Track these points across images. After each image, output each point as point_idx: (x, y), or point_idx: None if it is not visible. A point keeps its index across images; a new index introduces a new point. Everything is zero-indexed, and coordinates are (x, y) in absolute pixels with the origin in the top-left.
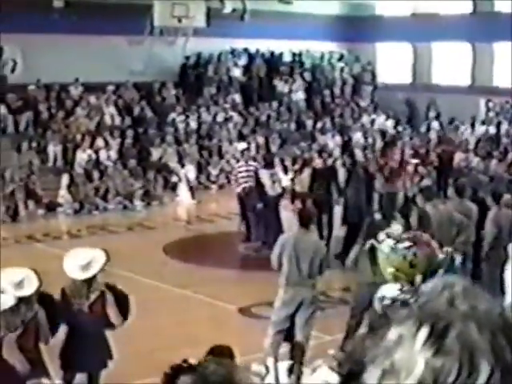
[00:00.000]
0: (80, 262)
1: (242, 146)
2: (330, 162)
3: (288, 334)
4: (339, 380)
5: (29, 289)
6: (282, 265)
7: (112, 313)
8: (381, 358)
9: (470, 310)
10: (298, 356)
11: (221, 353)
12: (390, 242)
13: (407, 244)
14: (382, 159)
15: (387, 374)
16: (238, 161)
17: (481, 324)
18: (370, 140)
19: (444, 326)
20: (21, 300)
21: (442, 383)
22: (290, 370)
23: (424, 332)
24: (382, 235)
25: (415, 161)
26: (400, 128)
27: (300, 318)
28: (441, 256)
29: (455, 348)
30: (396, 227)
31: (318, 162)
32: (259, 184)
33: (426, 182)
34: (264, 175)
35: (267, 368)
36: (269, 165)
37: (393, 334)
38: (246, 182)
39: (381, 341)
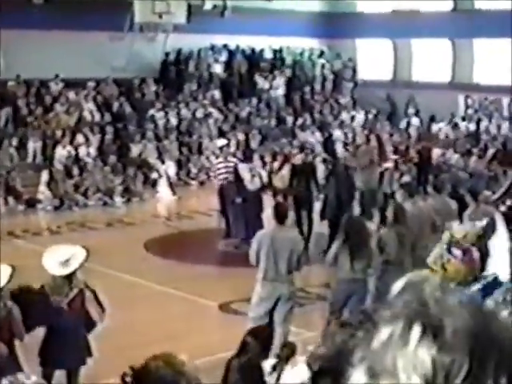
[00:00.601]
0: (59, 258)
1: (222, 142)
2: (310, 158)
3: None
4: (309, 376)
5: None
6: (260, 261)
7: (92, 309)
8: (370, 359)
9: (458, 304)
10: (284, 354)
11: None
12: (446, 238)
13: (455, 249)
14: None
15: (381, 372)
16: (217, 157)
17: (470, 316)
18: (350, 136)
19: (436, 322)
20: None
21: (453, 377)
22: (274, 368)
23: (417, 330)
24: (445, 234)
25: (395, 157)
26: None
27: (278, 314)
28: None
29: (458, 342)
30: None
31: (297, 158)
32: (238, 178)
33: (406, 178)
34: (243, 169)
35: None
36: (248, 159)
37: (382, 333)
38: (225, 179)
39: (368, 341)
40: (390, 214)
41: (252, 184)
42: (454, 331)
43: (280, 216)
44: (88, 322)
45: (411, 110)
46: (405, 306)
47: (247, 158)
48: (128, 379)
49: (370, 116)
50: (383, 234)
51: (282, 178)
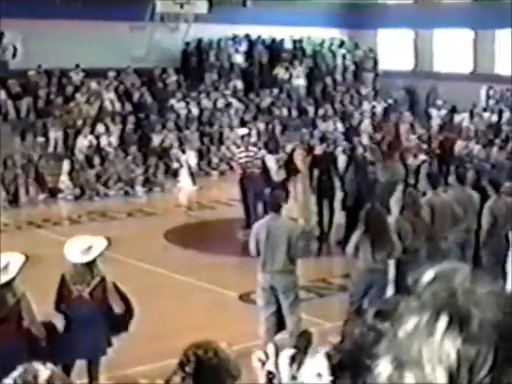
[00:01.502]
0: (81, 246)
1: (243, 131)
2: (331, 148)
3: (279, 321)
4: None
5: (12, 273)
6: (259, 252)
7: (113, 299)
8: (396, 349)
9: (486, 295)
10: (302, 344)
11: None
12: None
13: None
14: (379, 133)
15: (407, 364)
16: (238, 147)
17: (497, 308)
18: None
19: (464, 313)
20: (4, 285)
21: (478, 370)
22: (293, 359)
23: (444, 320)
24: None
25: (414, 136)
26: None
27: (283, 305)
28: None
29: (483, 334)
30: None
31: (318, 149)
32: (265, 169)
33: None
34: (269, 160)
35: (267, 355)
36: (272, 150)
37: (409, 323)
38: (248, 168)
39: (394, 331)
40: (400, 202)
41: (278, 175)
42: (481, 323)
43: (275, 205)
44: (110, 312)
45: (433, 101)
46: (432, 296)
47: (270, 148)
48: (189, 370)
49: (391, 107)
50: (398, 223)
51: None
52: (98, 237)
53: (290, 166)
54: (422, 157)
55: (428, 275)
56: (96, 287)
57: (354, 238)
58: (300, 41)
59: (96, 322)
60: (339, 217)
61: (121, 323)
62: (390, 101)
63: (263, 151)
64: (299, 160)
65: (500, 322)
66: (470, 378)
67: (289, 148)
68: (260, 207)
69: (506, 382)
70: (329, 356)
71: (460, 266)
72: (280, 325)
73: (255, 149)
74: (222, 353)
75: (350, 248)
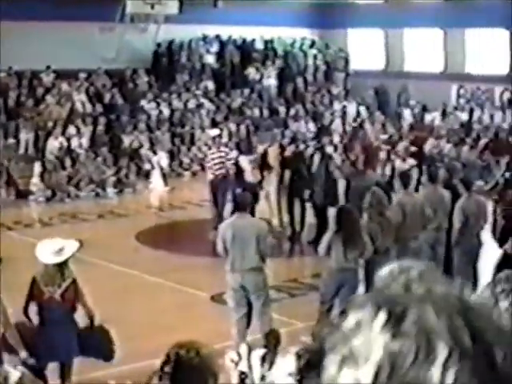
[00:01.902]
0: (52, 248)
1: (214, 132)
2: (302, 148)
3: (249, 322)
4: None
5: None
6: (228, 252)
7: (82, 302)
8: (340, 345)
9: (427, 294)
10: (271, 344)
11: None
12: None
13: None
14: (349, 146)
15: (346, 360)
16: (209, 148)
17: (438, 307)
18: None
19: (401, 310)
20: None
21: (399, 367)
22: (263, 358)
23: (382, 317)
24: None
25: (387, 147)
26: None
27: (255, 305)
28: None
29: (412, 331)
30: None
31: (289, 149)
32: (239, 170)
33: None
34: (243, 161)
35: (239, 355)
36: (247, 151)
37: (351, 319)
38: (219, 169)
39: (339, 327)
40: (366, 202)
41: (252, 176)
42: (415, 321)
43: (242, 204)
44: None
45: (404, 101)
46: (376, 292)
47: (243, 149)
48: (167, 369)
49: (362, 107)
50: (369, 224)
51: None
52: (69, 240)
53: (263, 166)
54: (411, 161)
55: (380, 274)
56: (67, 289)
57: (326, 237)
58: (271, 41)
59: (68, 323)
60: (310, 217)
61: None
62: (366, 101)
63: (235, 152)
64: (272, 159)
65: (431, 322)
66: (391, 374)
67: (261, 148)
68: (228, 208)
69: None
70: (298, 356)
71: (413, 265)
72: (249, 325)
73: (227, 149)
74: (205, 353)
75: (321, 247)
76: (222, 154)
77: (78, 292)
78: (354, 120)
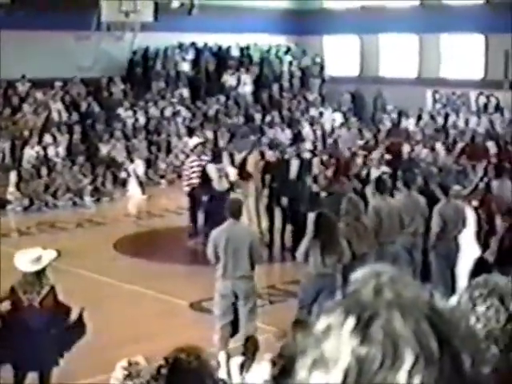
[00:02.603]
0: (30, 256)
1: (194, 140)
2: (278, 154)
3: (234, 329)
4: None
5: None
6: (219, 258)
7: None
8: (310, 348)
9: (395, 299)
10: (250, 351)
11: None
12: None
13: None
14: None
15: (317, 363)
16: (187, 156)
17: (405, 312)
18: (318, 133)
19: (369, 315)
20: None
21: (366, 371)
22: (242, 366)
23: (350, 322)
24: None
25: (363, 153)
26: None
27: (242, 312)
28: None
29: (379, 336)
30: None
31: (270, 155)
32: (206, 179)
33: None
34: (211, 170)
35: (218, 363)
36: (216, 159)
37: (321, 323)
38: (198, 177)
39: (310, 332)
40: (343, 208)
41: (219, 185)
42: (382, 326)
43: (234, 212)
44: (62, 319)
45: (379, 106)
46: (345, 297)
47: (215, 158)
48: (163, 371)
49: (338, 113)
50: (343, 229)
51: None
52: (48, 249)
53: (243, 172)
54: (385, 168)
55: (354, 277)
56: (46, 296)
57: (304, 243)
58: (247, 48)
59: (47, 331)
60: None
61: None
62: (342, 108)
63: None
64: (251, 167)
65: (398, 328)
66: (358, 379)
67: (238, 157)
68: (201, 216)
69: None
70: (273, 362)
71: (385, 270)
72: (234, 333)
73: (207, 158)
74: (204, 357)
75: (300, 253)
76: (203, 163)
77: (57, 298)
78: (332, 130)
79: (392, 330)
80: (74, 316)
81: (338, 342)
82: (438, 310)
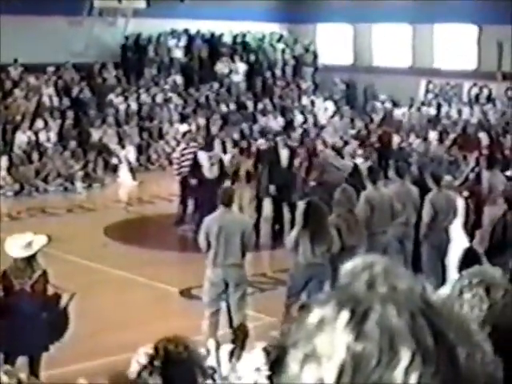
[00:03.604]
0: (21, 242)
1: (184, 128)
2: (271, 143)
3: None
4: (267, 367)
5: None
6: (210, 246)
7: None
8: (302, 342)
9: (390, 292)
10: (239, 339)
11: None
12: None
13: None
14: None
15: (309, 357)
16: (178, 143)
17: (400, 306)
18: (310, 121)
19: (364, 309)
20: None
21: (363, 369)
22: (232, 353)
23: (344, 315)
24: None
25: (356, 142)
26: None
27: (232, 300)
28: None
29: (375, 332)
30: None
31: (261, 143)
32: (197, 166)
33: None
34: (202, 157)
35: (208, 351)
36: (208, 146)
37: (314, 316)
38: (188, 165)
39: (302, 324)
40: (336, 198)
41: (210, 172)
42: (377, 321)
43: (226, 200)
44: (53, 305)
45: (372, 95)
46: (338, 289)
47: (208, 144)
48: (157, 363)
49: (330, 102)
50: (336, 220)
51: (245, 163)
52: (38, 235)
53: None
54: (359, 160)
55: (345, 268)
56: (37, 280)
57: (294, 232)
58: (240, 35)
59: (38, 315)
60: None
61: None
62: (335, 96)
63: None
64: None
65: (394, 323)
66: (354, 376)
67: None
68: (191, 204)
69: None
70: (267, 351)
71: (377, 260)
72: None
73: (196, 144)
74: (192, 347)
75: (289, 241)
76: (193, 150)
77: (48, 282)
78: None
79: (388, 326)
80: (63, 302)
81: (331, 336)
82: (432, 303)
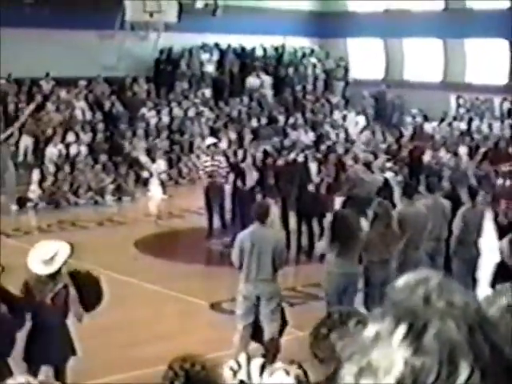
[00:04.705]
0: (43, 256)
1: (210, 140)
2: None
3: (256, 331)
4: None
5: None
6: (243, 261)
7: (73, 307)
8: (357, 356)
9: (447, 307)
10: (271, 353)
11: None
12: None
13: None
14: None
15: (364, 371)
16: (198, 157)
17: (458, 321)
18: (341, 136)
19: (422, 324)
20: None
21: (421, 382)
22: (263, 368)
23: (401, 330)
24: None
25: (386, 156)
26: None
27: (263, 313)
28: None
29: (434, 347)
30: None
31: (289, 157)
32: (241, 176)
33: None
34: (245, 168)
35: (239, 364)
36: (242, 158)
37: (369, 331)
38: (210, 177)
39: (356, 338)
40: (372, 212)
41: (248, 183)
42: (436, 335)
43: (261, 215)
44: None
45: (403, 110)
46: (394, 304)
47: (241, 157)
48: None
49: (361, 117)
50: (368, 234)
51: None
52: (59, 242)
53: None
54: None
55: (398, 283)
56: (58, 293)
57: (323, 243)
58: (271, 49)
59: (57, 327)
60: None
61: None
62: (368, 111)
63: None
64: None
65: (455, 336)
66: None
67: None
68: (216, 217)
69: None
70: (286, 372)
71: (431, 275)
72: (254, 335)
73: (221, 158)
74: (209, 366)
75: (318, 250)
76: (216, 163)
77: (69, 297)
78: (361, 131)
79: (447, 340)
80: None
81: (387, 350)
82: (487, 318)
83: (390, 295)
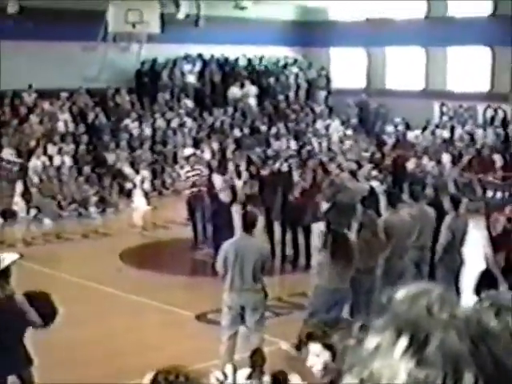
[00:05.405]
0: None
1: (188, 151)
2: (285, 166)
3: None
4: None
5: None
6: (227, 271)
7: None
8: (359, 367)
9: (450, 319)
10: (257, 363)
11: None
12: None
13: None
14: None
15: (365, 383)
16: (182, 167)
17: (461, 333)
18: (324, 145)
19: (424, 335)
20: None
21: None
22: (249, 378)
23: (403, 342)
24: None
25: (370, 165)
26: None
27: (249, 323)
28: None
29: (438, 359)
30: None
31: (274, 168)
32: (212, 189)
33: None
34: (217, 180)
35: (225, 375)
36: (222, 170)
37: (371, 342)
38: (193, 187)
39: (357, 349)
40: (357, 221)
41: (225, 196)
42: (439, 347)
43: (247, 225)
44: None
45: (384, 119)
46: (395, 316)
47: (222, 168)
48: None
49: (344, 127)
50: (355, 242)
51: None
52: (9, 253)
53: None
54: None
55: (398, 295)
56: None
57: (319, 256)
58: (254, 59)
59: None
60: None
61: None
62: (351, 120)
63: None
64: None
65: (458, 347)
66: None
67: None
68: (209, 227)
69: None
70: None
71: (432, 287)
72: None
73: (201, 167)
74: (193, 376)
75: (314, 266)
76: (197, 172)
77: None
78: (341, 140)
79: (451, 351)
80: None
81: (389, 362)
82: (489, 329)
83: (391, 307)
